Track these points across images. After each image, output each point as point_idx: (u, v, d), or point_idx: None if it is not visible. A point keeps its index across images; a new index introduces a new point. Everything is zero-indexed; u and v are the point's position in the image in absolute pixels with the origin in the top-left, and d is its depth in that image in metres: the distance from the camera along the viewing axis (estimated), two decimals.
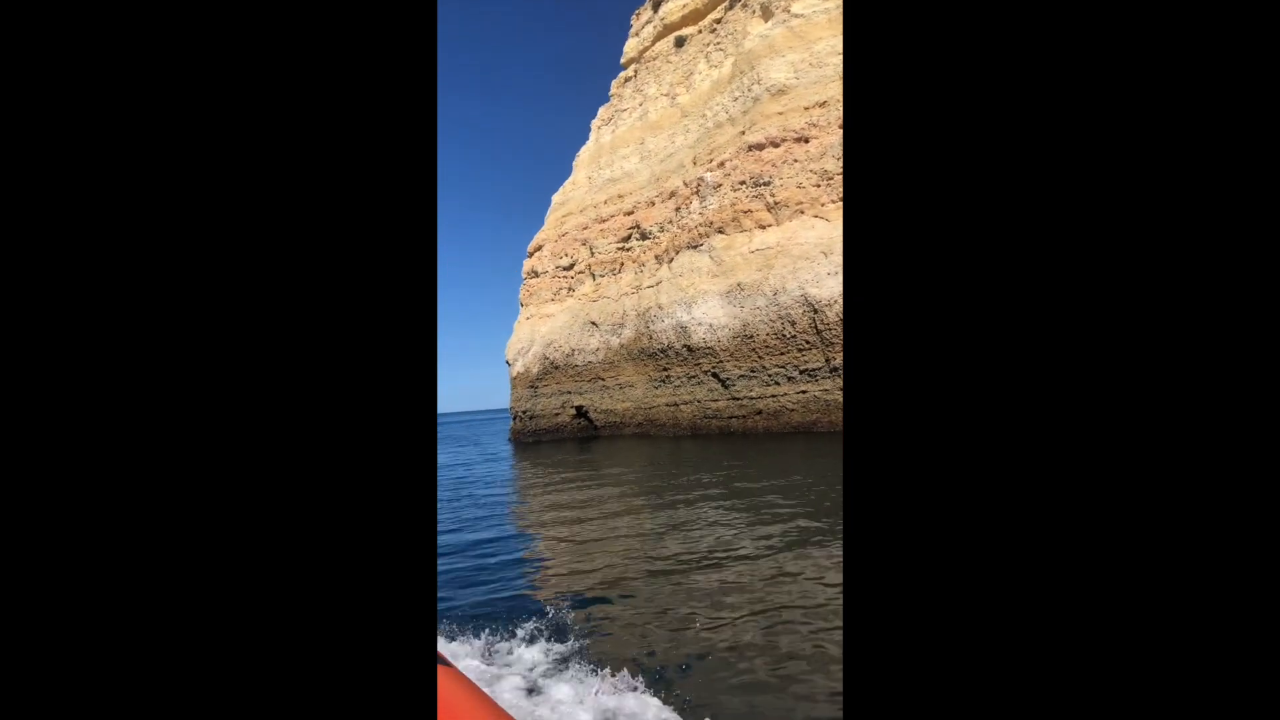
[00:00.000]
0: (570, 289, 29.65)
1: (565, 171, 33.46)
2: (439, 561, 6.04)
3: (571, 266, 29.71)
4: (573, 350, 27.39)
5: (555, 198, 32.84)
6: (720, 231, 22.39)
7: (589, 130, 33.03)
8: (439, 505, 8.40)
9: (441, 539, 7.20)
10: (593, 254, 28.62)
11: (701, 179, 23.39)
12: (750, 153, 22.15)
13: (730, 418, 21.15)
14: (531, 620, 3.99)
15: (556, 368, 27.94)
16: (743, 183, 22.04)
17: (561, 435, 27.31)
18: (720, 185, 22.79)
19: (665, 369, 23.49)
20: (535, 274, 31.48)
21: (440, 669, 1.69)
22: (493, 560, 6.22)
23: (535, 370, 28.69)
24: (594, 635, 3.89)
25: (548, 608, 4.27)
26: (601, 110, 32.84)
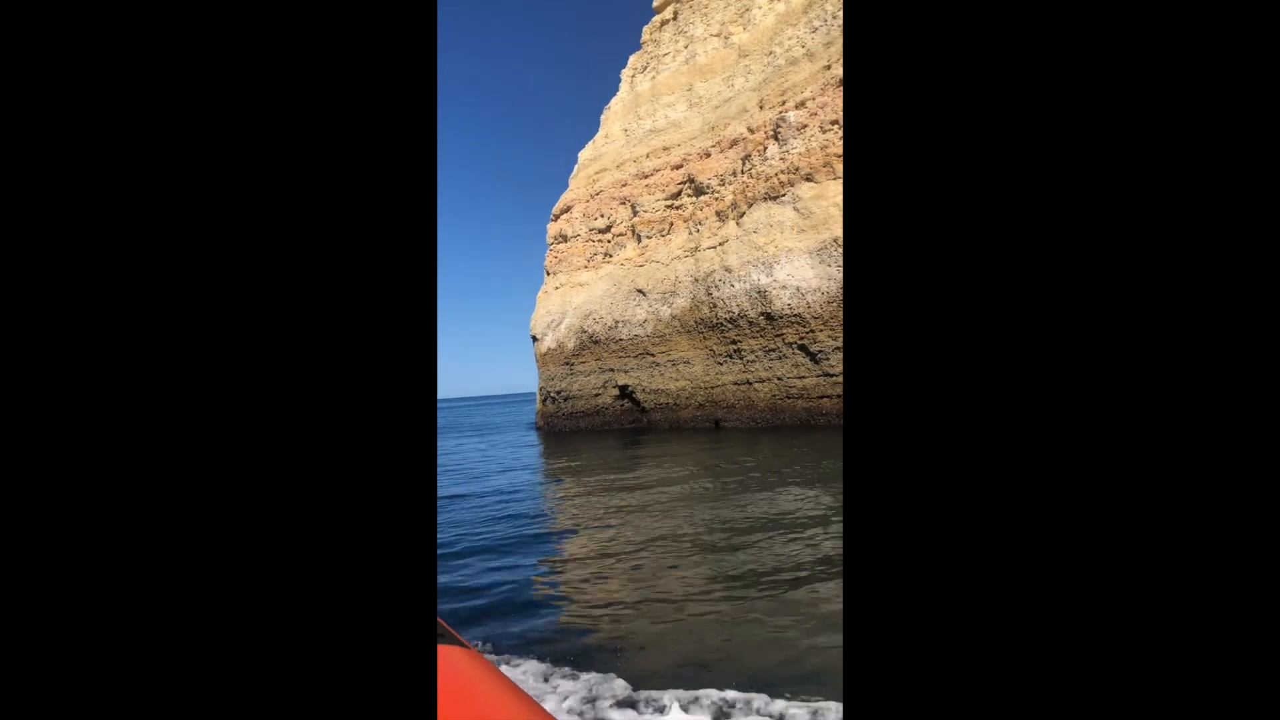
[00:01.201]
0: (608, 254, 26.17)
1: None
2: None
3: (609, 229, 26.21)
4: (616, 322, 23.98)
5: (584, 154, 29.24)
6: (808, 179, 19.11)
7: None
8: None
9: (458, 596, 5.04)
10: (635, 213, 25.16)
11: (782, 119, 20.04)
12: (841, 88, 18.88)
13: (821, 397, 17.99)
14: None
15: (596, 342, 24.51)
16: (834, 122, 18.77)
17: (603, 420, 23.94)
18: (805, 126, 19.48)
19: (734, 342, 20.24)
20: (564, 238, 27.92)
21: (456, 649, 1.68)
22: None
23: (571, 345, 25.22)
24: None
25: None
26: (633, 59, 29.23)
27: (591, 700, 2.81)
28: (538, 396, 27.28)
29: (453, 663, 1.52)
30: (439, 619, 1.94)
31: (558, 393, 25.13)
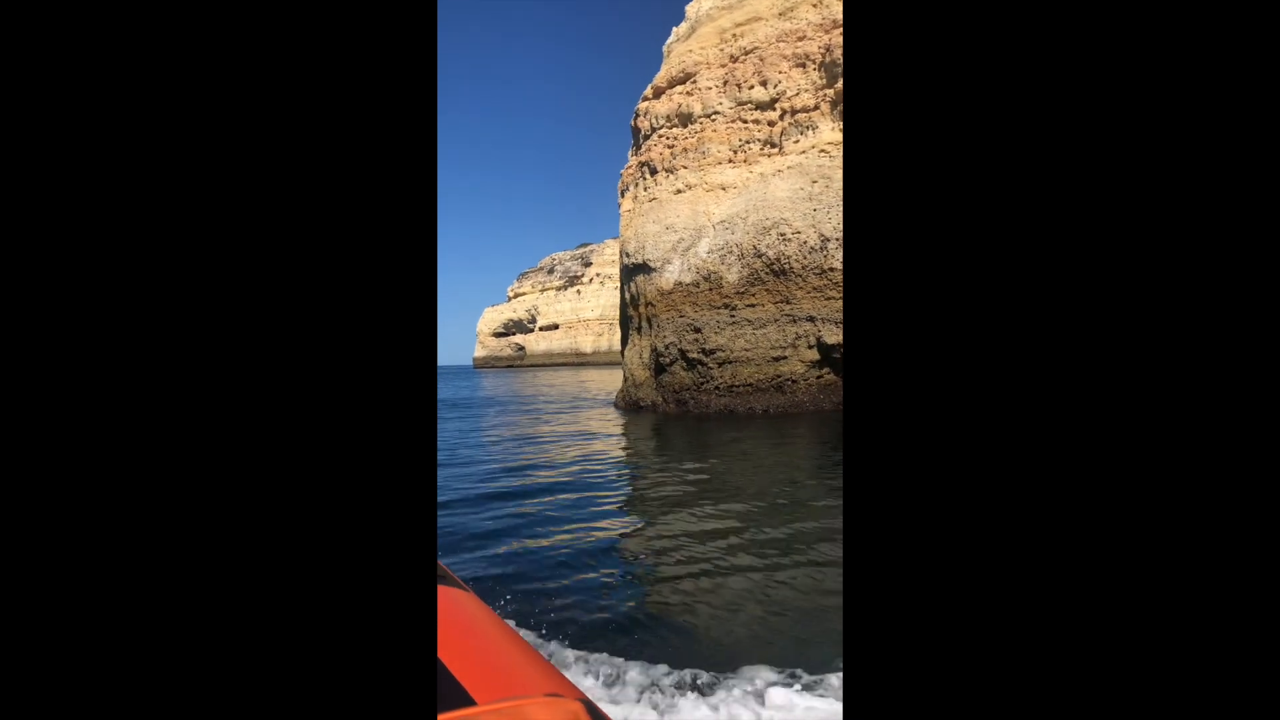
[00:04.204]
0: (772, 142, 16.96)
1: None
2: None
3: (775, 101, 16.98)
4: (822, 240, 14.90)
5: (697, 5, 19.70)
6: None
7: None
8: None
9: None
10: (832, 77, 16.12)
11: None
12: None
13: None
14: None
15: (780, 272, 15.29)
16: None
17: (787, 401, 14.84)
18: None
19: None
20: (684, 120, 18.31)
21: (454, 590, 1.82)
22: None
23: (733, 277, 15.81)
24: None
25: None
26: None
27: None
28: (636, 361, 17.66)
29: (450, 602, 1.72)
30: (440, 564, 2.10)
31: (703, 351, 15.70)
